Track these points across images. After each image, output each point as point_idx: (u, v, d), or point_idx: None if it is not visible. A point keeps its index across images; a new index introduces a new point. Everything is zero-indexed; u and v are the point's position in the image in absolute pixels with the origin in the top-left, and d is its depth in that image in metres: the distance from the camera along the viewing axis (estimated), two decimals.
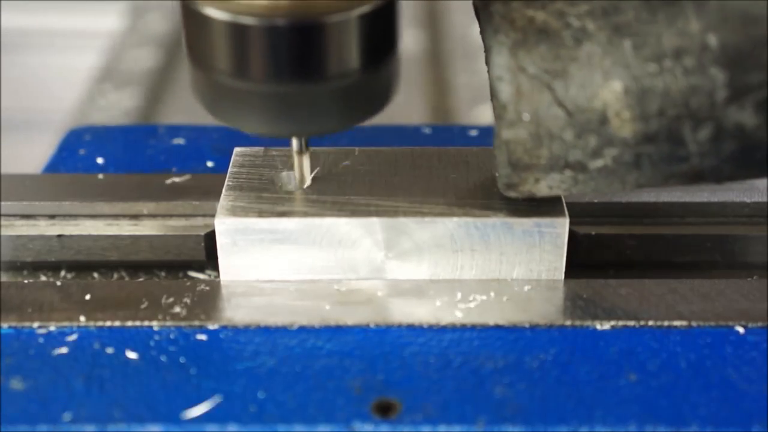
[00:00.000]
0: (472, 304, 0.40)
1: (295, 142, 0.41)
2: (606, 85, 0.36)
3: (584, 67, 0.36)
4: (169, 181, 0.47)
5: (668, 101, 0.35)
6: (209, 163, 0.51)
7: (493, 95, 0.37)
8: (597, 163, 0.37)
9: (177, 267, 0.45)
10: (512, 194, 0.39)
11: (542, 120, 0.36)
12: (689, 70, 0.35)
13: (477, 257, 0.41)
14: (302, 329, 0.39)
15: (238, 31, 0.35)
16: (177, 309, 0.40)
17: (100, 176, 0.48)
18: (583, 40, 0.36)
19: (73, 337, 0.39)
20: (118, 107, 0.91)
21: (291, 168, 0.43)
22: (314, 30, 0.35)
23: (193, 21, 0.37)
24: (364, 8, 0.36)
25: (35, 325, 0.39)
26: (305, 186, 0.42)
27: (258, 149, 0.45)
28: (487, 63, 0.37)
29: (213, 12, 0.35)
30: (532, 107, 0.36)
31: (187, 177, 0.48)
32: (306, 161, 0.42)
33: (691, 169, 0.37)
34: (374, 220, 0.41)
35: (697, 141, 0.35)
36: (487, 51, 0.37)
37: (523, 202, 0.41)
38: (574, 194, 0.41)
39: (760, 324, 0.39)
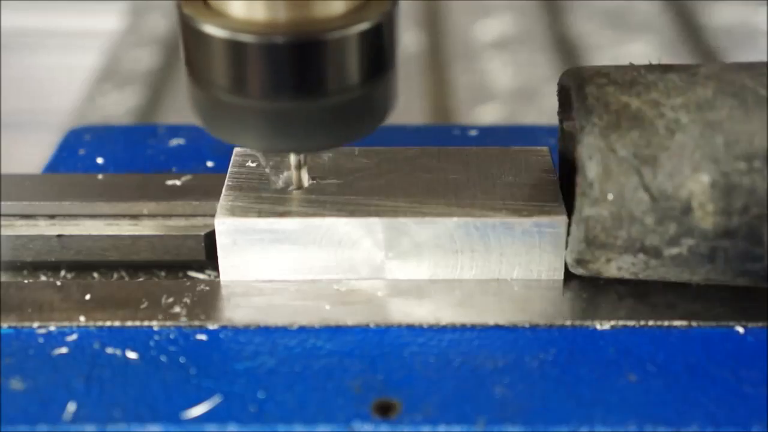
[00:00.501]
0: (472, 304, 0.40)
1: (293, 157, 0.42)
2: (694, 176, 0.37)
3: (674, 156, 0.37)
4: (170, 182, 0.47)
5: (753, 200, 0.36)
6: (209, 163, 0.51)
7: (580, 172, 0.38)
8: (672, 251, 0.38)
9: (177, 267, 0.45)
10: (580, 271, 0.40)
11: (626, 202, 0.37)
12: None
13: (477, 257, 0.41)
14: (302, 329, 0.39)
15: (236, 48, 0.35)
16: (177, 309, 0.40)
17: (100, 176, 0.48)
18: (675, 131, 0.37)
19: (73, 337, 0.39)
20: (118, 107, 0.91)
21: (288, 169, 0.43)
22: (312, 47, 0.35)
23: (191, 38, 0.37)
24: (362, 26, 0.36)
25: (35, 325, 0.39)
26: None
27: None
28: (577, 141, 0.38)
29: (211, 29, 0.36)
30: (618, 188, 0.37)
31: (188, 177, 0.48)
32: (304, 175, 0.42)
33: (764, 269, 0.38)
34: (374, 220, 0.41)
35: None
36: (579, 130, 0.38)
37: (523, 202, 0.41)
38: None
39: (760, 324, 0.39)
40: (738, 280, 0.39)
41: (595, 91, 0.38)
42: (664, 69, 0.39)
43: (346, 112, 0.37)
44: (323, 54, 0.36)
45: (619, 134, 0.37)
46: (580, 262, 0.39)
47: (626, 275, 0.39)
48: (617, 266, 0.39)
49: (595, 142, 0.37)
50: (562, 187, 0.42)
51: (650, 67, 0.39)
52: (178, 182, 0.47)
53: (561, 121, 0.43)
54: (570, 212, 0.40)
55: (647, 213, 0.37)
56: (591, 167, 0.37)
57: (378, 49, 0.37)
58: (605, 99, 0.38)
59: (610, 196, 0.37)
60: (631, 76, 0.39)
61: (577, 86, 0.39)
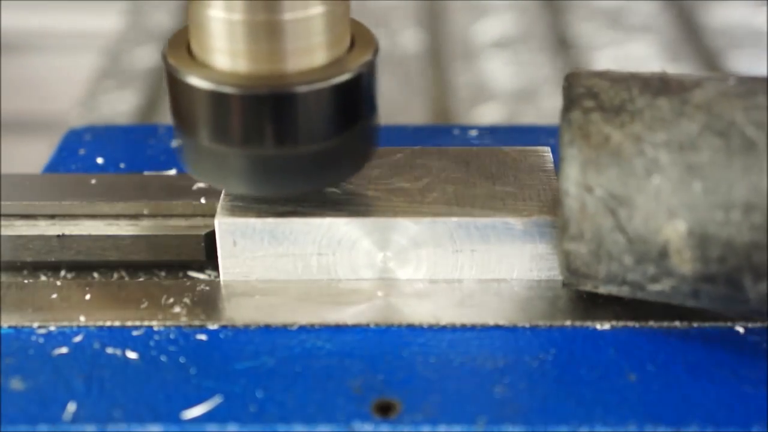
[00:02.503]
0: (472, 304, 0.40)
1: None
2: (670, 223, 0.36)
3: (651, 200, 0.36)
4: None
5: (730, 251, 0.35)
6: None
7: (559, 206, 0.38)
8: (655, 287, 0.37)
9: (177, 267, 0.45)
10: (573, 288, 0.40)
11: (603, 241, 0.37)
12: (756, 226, 0.35)
13: (477, 257, 0.41)
14: (302, 329, 0.39)
15: (218, 99, 0.37)
16: (177, 309, 0.40)
17: (100, 176, 0.48)
18: (653, 172, 0.36)
19: (73, 337, 0.39)
20: (118, 107, 0.91)
21: None
22: (290, 99, 0.37)
23: (176, 87, 0.38)
24: (340, 78, 0.37)
25: (35, 325, 0.39)
26: None
27: None
28: (559, 170, 0.38)
29: (196, 81, 0.37)
30: (594, 227, 0.37)
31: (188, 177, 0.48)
32: None
33: (749, 311, 0.37)
34: (374, 220, 0.41)
35: (757, 291, 0.36)
36: (561, 160, 0.37)
37: (523, 202, 0.41)
38: None
39: (760, 324, 0.39)
40: (728, 312, 0.39)
41: (580, 118, 0.37)
42: (658, 91, 0.38)
43: (325, 159, 0.39)
44: (301, 105, 0.37)
45: (596, 170, 0.36)
46: (569, 285, 0.39)
47: (621, 295, 0.39)
48: (606, 291, 0.39)
49: (573, 175, 0.37)
50: None
51: (645, 85, 0.38)
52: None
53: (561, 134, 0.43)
54: None
55: (624, 253, 0.37)
56: (568, 204, 0.37)
57: (355, 100, 0.38)
58: (587, 129, 0.37)
59: (588, 235, 0.37)
60: (620, 99, 0.37)
61: (565, 107, 0.38)
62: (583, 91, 0.38)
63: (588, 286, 0.39)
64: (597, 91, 0.38)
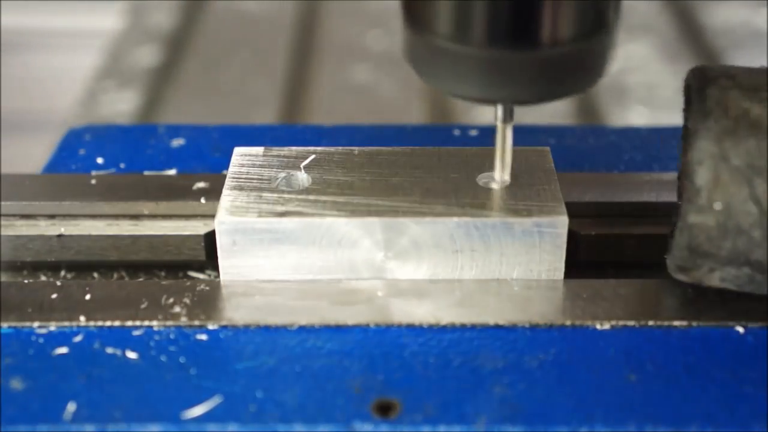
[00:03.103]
0: (472, 304, 0.40)
1: (500, 109, 0.41)
2: None
3: None
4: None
5: None
6: (209, 163, 0.51)
7: (687, 177, 0.37)
8: None
9: (177, 267, 0.45)
10: (681, 278, 0.39)
11: (734, 213, 0.36)
12: None
13: (477, 257, 0.41)
14: (302, 329, 0.39)
15: None
16: (177, 309, 0.40)
17: (100, 176, 0.48)
18: None
19: (73, 337, 0.39)
20: (118, 107, 0.91)
21: (297, 169, 0.43)
22: None
23: None
24: None
25: (35, 325, 0.39)
26: (506, 178, 0.42)
27: (258, 149, 0.45)
28: (688, 144, 0.37)
29: None
30: (726, 198, 0.36)
31: (189, 177, 0.48)
32: (509, 131, 0.41)
33: None
34: (374, 220, 0.41)
35: None
36: (691, 133, 0.37)
37: (523, 202, 0.41)
38: (571, 198, 0.42)
39: (760, 324, 0.39)
40: None
41: (716, 93, 0.37)
42: None
43: (562, 65, 0.37)
44: (545, 5, 0.35)
45: (734, 141, 0.36)
46: (682, 269, 0.38)
47: (730, 287, 0.38)
48: (720, 277, 0.38)
49: (707, 147, 0.36)
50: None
51: None
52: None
53: (686, 118, 0.42)
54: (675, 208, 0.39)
55: (755, 226, 0.36)
56: (701, 173, 0.36)
57: (597, 6, 0.36)
58: (725, 103, 0.37)
59: (718, 206, 0.36)
60: (758, 81, 0.37)
61: (699, 87, 0.38)
62: (718, 73, 0.38)
63: (702, 270, 0.38)
64: (734, 73, 0.38)
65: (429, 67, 0.38)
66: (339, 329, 0.39)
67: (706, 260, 0.37)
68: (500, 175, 0.42)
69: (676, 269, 0.39)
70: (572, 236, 0.42)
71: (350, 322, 0.40)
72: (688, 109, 0.41)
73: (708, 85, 0.37)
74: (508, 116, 0.41)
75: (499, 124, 0.41)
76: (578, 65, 0.37)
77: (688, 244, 0.37)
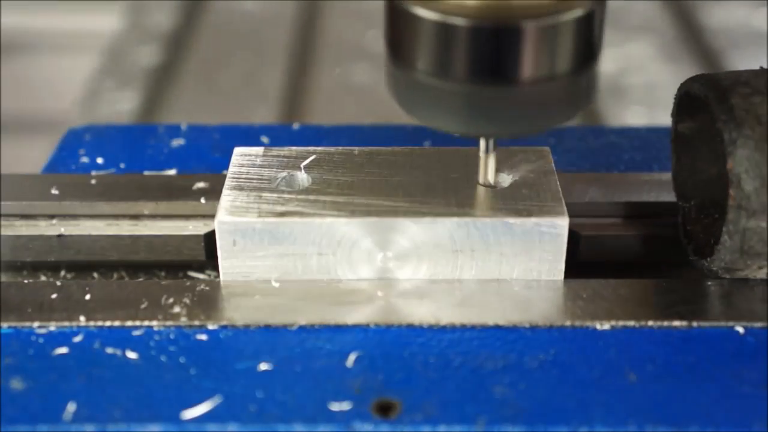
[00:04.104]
0: (472, 304, 0.40)
1: (482, 142, 0.41)
2: None
3: None
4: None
5: None
6: (209, 163, 0.51)
7: (735, 185, 0.38)
8: None
9: (177, 267, 0.45)
10: (726, 276, 0.41)
11: None
12: None
13: (477, 257, 0.41)
14: (302, 329, 0.39)
15: (445, 32, 0.36)
16: (177, 309, 0.40)
17: (100, 176, 0.48)
18: None
19: (73, 337, 0.39)
20: (118, 107, 0.91)
21: (297, 169, 0.43)
22: (519, 33, 0.35)
23: (399, 20, 0.37)
24: (573, 13, 0.36)
25: (35, 325, 0.39)
26: (490, 184, 0.42)
27: (258, 149, 0.45)
28: (729, 154, 0.38)
29: (422, 12, 0.36)
30: None
31: (189, 177, 0.48)
32: (491, 162, 0.42)
33: None
34: (374, 220, 0.41)
35: None
36: (729, 143, 0.38)
37: (524, 202, 0.41)
38: (571, 198, 0.42)
39: (760, 324, 0.39)
40: None
41: (741, 102, 0.38)
42: None
43: (546, 99, 0.37)
44: (529, 40, 0.35)
45: None
46: (729, 270, 0.40)
47: None
48: (767, 272, 0.40)
49: (750, 155, 0.37)
50: (676, 183, 0.43)
51: None
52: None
53: (675, 122, 0.44)
54: (681, 210, 0.41)
55: None
56: (747, 180, 0.38)
57: (584, 38, 0.37)
58: (755, 111, 0.38)
59: None
60: None
61: (719, 97, 0.39)
62: (730, 82, 0.39)
63: (752, 269, 0.40)
64: (745, 80, 0.39)
65: (411, 101, 0.38)
66: (339, 329, 0.39)
67: (757, 259, 0.39)
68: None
69: (723, 270, 0.40)
70: (572, 236, 0.42)
71: (350, 322, 0.40)
72: (684, 114, 0.42)
73: (729, 94, 0.39)
74: (490, 148, 0.42)
75: (482, 155, 0.42)
76: (559, 99, 0.38)
77: (740, 247, 0.39)
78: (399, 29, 0.37)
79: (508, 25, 0.35)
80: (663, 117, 0.46)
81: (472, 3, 0.35)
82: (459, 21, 0.35)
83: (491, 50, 0.36)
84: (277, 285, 0.41)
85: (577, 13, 0.36)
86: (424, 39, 0.36)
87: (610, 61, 0.95)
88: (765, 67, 0.41)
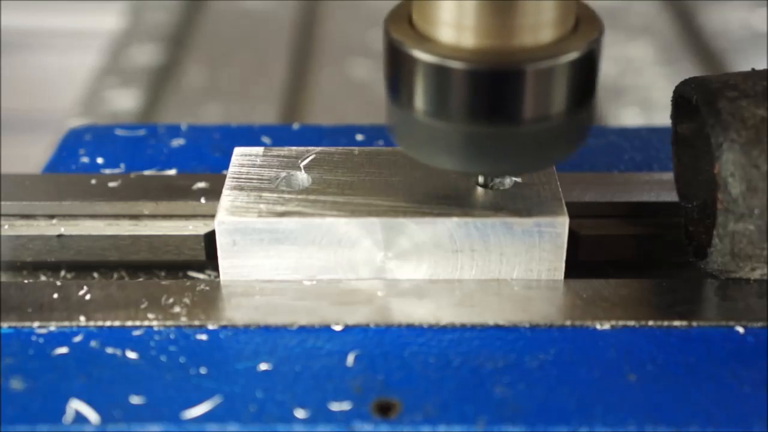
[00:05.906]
0: (472, 304, 0.40)
1: (480, 178, 0.42)
2: None
3: None
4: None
5: None
6: (209, 163, 0.51)
7: (722, 189, 0.38)
8: None
9: (177, 267, 0.45)
10: (721, 276, 0.41)
11: None
12: None
13: (477, 257, 0.41)
14: (302, 329, 0.39)
15: (443, 74, 0.36)
16: (177, 309, 0.40)
17: (100, 176, 0.48)
18: None
19: (73, 337, 0.39)
20: (118, 107, 0.91)
21: (297, 169, 0.43)
22: (517, 76, 0.36)
23: (398, 61, 0.38)
24: (567, 57, 0.36)
25: (35, 325, 0.39)
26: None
27: (258, 149, 0.45)
28: (716, 158, 0.38)
29: (420, 54, 0.36)
30: (762, 202, 0.38)
31: (189, 177, 0.48)
32: (489, 192, 0.43)
33: None
34: (374, 220, 0.41)
35: None
36: (716, 147, 0.38)
37: (524, 202, 0.41)
38: (571, 198, 0.43)
39: (760, 324, 0.39)
40: None
41: (728, 105, 0.38)
42: None
43: (545, 138, 0.38)
44: (527, 83, 0.36)
45: (760, 149, 0.37)
46: (722, 272, 0.40)
47: None
48: (761, 273, 0.40)
49: (736, 158, 0.37)
50: (678, 184, 0.44)
51: None
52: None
53: (675, 124, 0.44)
54: (684, 211, 0.42)
55: None
56: (734, 184, 0.38)
57: (581, 79, 0.37)
58: (740, 114, 0.38)
59: (757, 211, 0.38)
60: (758, 87, 0.39)
61: (707, 101, 0.39)
62: (719, 85, 0.39)
63: (745, 271, 0.40)
64: (733, 83, 0.39)
65: (410, 140, 0.39)
66: (339, 329, 0.39)
67: (749, 261, 0.39)
68: None
69: (718, 272, 0.40)
70: (572, 236, 0.42)
71: (350, 322, 0.40)
72: (682, 116, 0.42)
73: (716, 98, 0.39)
74: (488, 183, 0.42)
75: (480, 189, 0.42)
76: (557, 138, 0.38)
77: (731, 250, 0.39)
78: (397, 70, 0.38)
79: (505, 67, 0.36)
80: (660, 119, 0.46)
81: (469, 46, 0.36)
82: (456, 64, 0.36)
83: (488, 92, 0.36)
84: (277, 285, 0.41)
85: (574, 55, 0.36)
86: (421, 80, 0.37)
87: (611, 60, 0.95)
88: (756, 69, 0.41)
